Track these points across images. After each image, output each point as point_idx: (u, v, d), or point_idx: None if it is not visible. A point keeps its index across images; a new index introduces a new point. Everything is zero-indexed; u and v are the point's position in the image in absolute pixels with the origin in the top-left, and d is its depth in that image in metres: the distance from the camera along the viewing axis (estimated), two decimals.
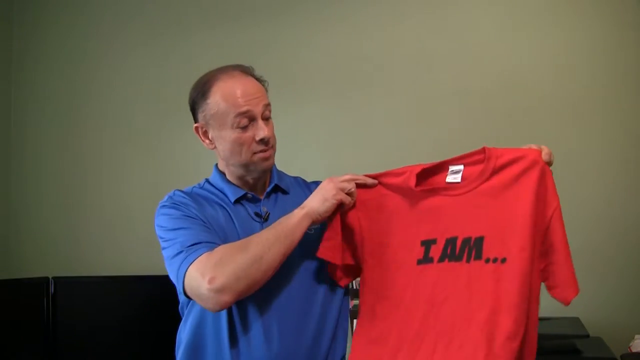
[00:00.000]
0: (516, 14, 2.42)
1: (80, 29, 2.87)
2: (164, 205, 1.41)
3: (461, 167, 1.35)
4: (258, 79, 1.43)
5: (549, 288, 1.26)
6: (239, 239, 1.35)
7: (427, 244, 1.34)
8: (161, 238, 1.38)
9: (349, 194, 1.39)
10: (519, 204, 1.26)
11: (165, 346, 1.59)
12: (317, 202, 1.36)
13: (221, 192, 1.45)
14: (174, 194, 1.44)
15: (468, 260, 1.28)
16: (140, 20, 2.81)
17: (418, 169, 1.37)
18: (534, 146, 1.30)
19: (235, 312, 1.35)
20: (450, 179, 1.35)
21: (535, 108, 2.36)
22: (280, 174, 1.53)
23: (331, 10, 2.61)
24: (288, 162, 1.60)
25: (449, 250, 1.31)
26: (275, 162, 1.47)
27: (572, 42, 2.36)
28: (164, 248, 1.36)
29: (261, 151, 1.39)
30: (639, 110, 2.28)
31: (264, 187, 1.48)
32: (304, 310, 1.39)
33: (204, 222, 1.36)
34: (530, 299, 1.22)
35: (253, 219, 1.42)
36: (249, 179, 1.45)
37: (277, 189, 1.49)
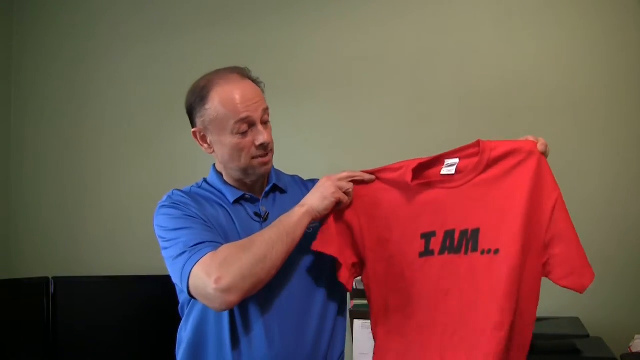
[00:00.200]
0: (517, 13, 2.42)
1: (80, 28, 2.87)
2: (163, 205, 1.41)
3: (456, 160, 1.37)
4: (255, 81, 1.42)
5: (559, 279, 1.25)
6: (240, 238, 1.35)
7: (427, 236, 1.36)
8: (162, 238, 1.37)
9: (346, 193, 1.40)
10: (514, 195, 1.27)
11: (165, 346, 1.59)
12: (316, 200, 1.37)
13: (219, 192, 1.45)
14: (172, 193, 1.44)
15: (466, 252, 1.30)
16: (140, 20, 2.80)
17: (414, 164, 1.39)
18: (530, 137, 1.31)
19: (237, 311, 1.35)
20: (444, 171, 1.37)
21: (536, 107, 2.36)
22: (278, 173, 1.53)
23: (330, 8, 2.61)
24: (286, 161, 1.60)
25: (448, 243, 1.33)
26: (273, 161, 1.47)
27: (573, 42, 2.36)
28: (165, 248, 1.36)
29: (260, 156, 1.40)
30: None
31: (262, 187, 1.48)
32: (304, 309, 1.40)
33: (205, 221, 1.36)
34: (521, 291, 1.24)
35: (252, 218, 1.42)
36: (247, 181, 1.45)
37: (275, 188, 1.49)
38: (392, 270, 1.40)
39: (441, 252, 1.34)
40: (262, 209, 1.44)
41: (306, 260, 1.42)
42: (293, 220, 1.33)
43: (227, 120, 1.36)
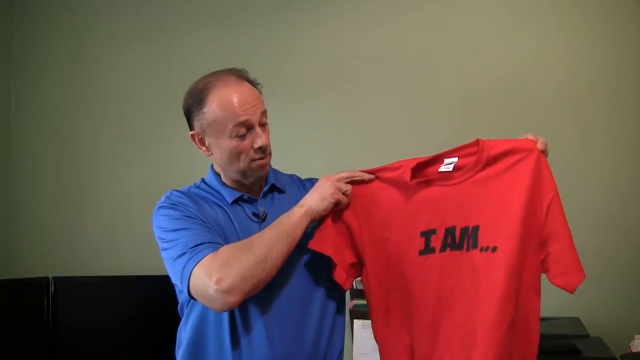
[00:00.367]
0: (517, 12, 2.41)
1: (80, 28, 2.87)
2: (162, 206, 1.40)
3: (455, 159, 1.37)
4: (253, 83, 1.42)
5: (553, 277, 1.26)
6: (239, 239, 1.35)
7: (427, 234, 1.37)
8: (161, 239, 1.37)
9: (345, 194, 1.40)
10: (512, 193, 1.28)
11: (165, 346, 1.59)
12: (315, 201, 1.37)
13: (218, 193, 1.45)
14: (171, 194, 1.44)
15: (468, 249, 1.31)
16: (139, 20, 2.80)
17: (413, 163, 1.40)
18: (530, 136, 1.32)
19: (237, 312, 1.35)
20: (443, 168, 1.37)
21: (536, 108, 2.36)
22: (276, 173, 1.53)
23: (329, 7, 2.60)
24: (286, 161, 1.60)
25: (449, 240, 1.34)
26: (272, 161, 1.47)
27: (573, 42, 2.36)
28: (164, 249, 1.36)
29: (259, 158, 1.40)
30: None
31: (260, 188, 1.48)
32: (303, 308, 1.40)
33: (204, 221, 1.36)
34: (522, 287, 1.24)
35: (251, 219, 1.42)
36: (246, 182, 1.45)
37: (273, 188, 1.49)
38: (392, 268, 1.41)
39: (442, 250, 1.34)
40: (261, 209, 1.44)
41: (305, 260, 1.42)
42: (292, 220, 1.33)
43: (225, 124, 1.35)
